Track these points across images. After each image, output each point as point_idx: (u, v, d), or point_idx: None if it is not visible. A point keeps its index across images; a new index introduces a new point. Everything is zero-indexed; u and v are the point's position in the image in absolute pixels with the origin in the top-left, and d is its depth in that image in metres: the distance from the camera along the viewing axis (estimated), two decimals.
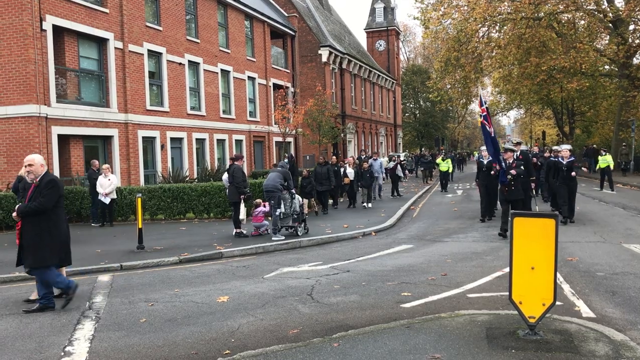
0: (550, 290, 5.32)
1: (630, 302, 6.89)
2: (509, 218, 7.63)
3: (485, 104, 12.08)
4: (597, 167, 24.71)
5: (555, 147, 17.47)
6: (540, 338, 5.33)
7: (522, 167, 12.40)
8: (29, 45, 16.85)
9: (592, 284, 7.84)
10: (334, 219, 16.40)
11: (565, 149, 14.74)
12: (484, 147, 15.26)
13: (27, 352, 5.63)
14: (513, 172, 11.96)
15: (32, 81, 16.89)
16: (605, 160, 23.61)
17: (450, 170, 28.82)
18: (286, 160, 19.81)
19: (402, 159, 38.58)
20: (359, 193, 20.80)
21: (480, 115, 11.92)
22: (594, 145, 38.42)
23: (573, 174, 14.21)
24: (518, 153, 13.79)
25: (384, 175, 22.81)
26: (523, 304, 5.41)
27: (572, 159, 14.52)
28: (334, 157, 22.77)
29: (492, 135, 11.87)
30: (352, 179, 20.29)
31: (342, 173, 20.18)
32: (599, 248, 10.67)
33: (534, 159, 17.74)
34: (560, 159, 14.48)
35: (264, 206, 13.68)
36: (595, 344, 5.18)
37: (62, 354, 5.56)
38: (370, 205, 19.43)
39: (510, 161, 12.20)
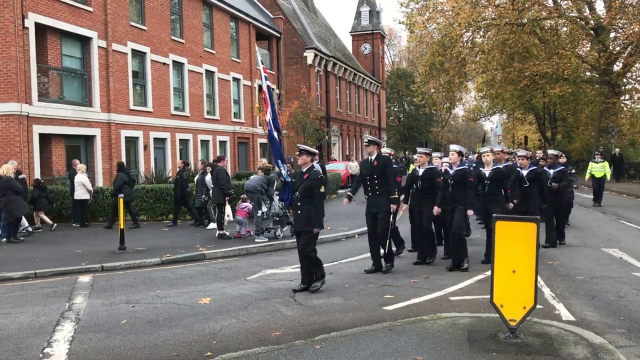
0: (531, 293, 5.37)
1: (609, 305, 6.98)
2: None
3: (267, 79, 7.87)
4: (588, 175, 20.19)
5: (549, 152, 12.52)
6: (520, 341, 5.38)
7: (318, 183, 7.82)
8: (11, 43, 16.61)
9: (572, 287, 7.93)
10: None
11: (522, 155, 10.81)
12: (422, 150, 10.36)
13: (5, 353, 5.54)
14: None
15: (14, 79, 16.65)
16: (603, 168, 19.69)
17: None
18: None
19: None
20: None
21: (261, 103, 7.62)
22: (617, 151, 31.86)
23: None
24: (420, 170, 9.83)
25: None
26: (504, 307, 5.45)
27: (561, 167, 11.84)
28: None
29: (270, 128, 8.11)
30: None
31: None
32: (579, 252, 10.80)
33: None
34: (519, 168, 10.59)
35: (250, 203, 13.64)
36: (574, 347, 5.25)
37: (41, 355, 5.48)
38: (211, 225, 14.77)
39: (305, 169, 8.04)
